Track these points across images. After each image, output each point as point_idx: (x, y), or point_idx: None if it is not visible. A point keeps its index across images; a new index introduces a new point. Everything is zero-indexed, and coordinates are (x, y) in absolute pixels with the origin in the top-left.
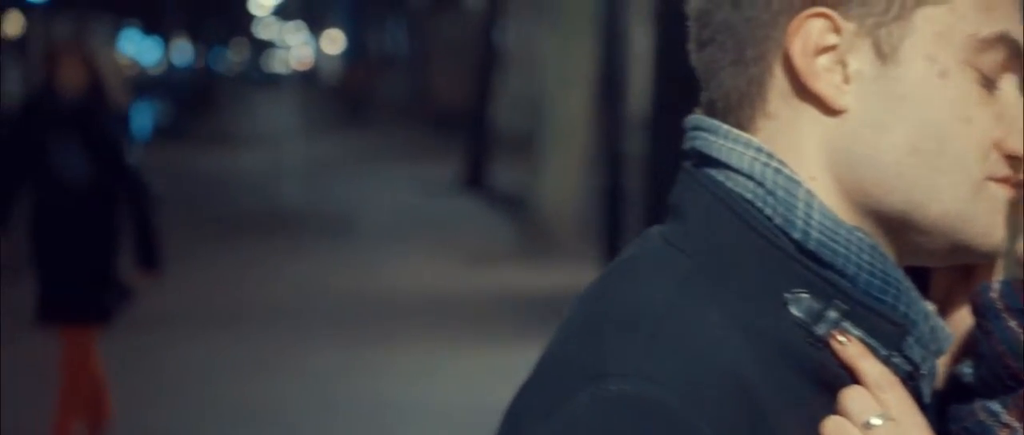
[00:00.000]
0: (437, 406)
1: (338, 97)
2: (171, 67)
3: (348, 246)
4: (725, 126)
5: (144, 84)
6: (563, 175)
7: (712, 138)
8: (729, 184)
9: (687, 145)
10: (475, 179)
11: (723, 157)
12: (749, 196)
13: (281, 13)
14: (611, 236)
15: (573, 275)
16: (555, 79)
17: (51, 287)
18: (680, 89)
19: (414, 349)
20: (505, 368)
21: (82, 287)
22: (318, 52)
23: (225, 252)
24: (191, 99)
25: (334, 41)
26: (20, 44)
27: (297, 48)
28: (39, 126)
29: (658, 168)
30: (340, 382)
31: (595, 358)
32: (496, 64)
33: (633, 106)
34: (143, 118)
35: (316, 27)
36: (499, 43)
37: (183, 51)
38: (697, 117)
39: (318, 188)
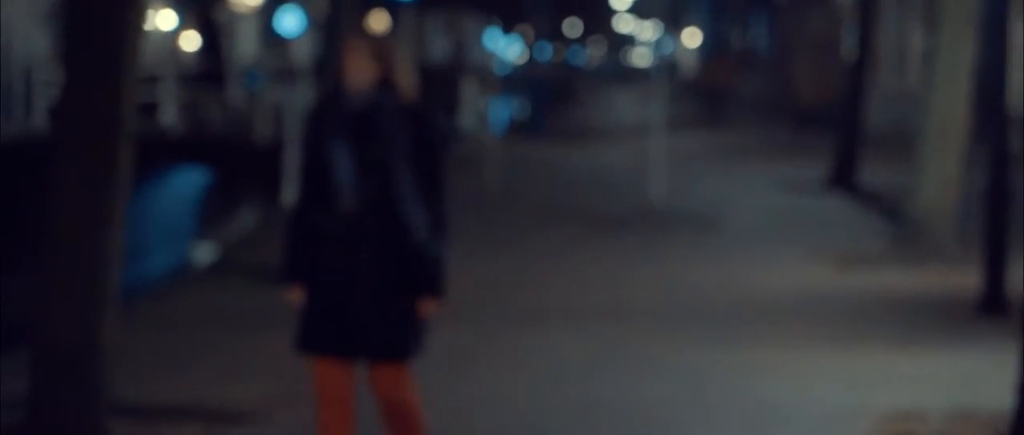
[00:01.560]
0: (813, 408)
1: (697, 93)
2: (532, 63)
3: (714, 244)
4: None
5: (505, 80)
6: (942, 174)
7: None
8: None
9: None
10: (843, 178)
11: None
12: None
13: (638, 10)
14: (993, 237)
15: (952, 278)
16: (934, 76)
17: (343, 317)
18: None
19: (787, 350)
20: (883, 372)
21: (385, 320)
22: (677, 47)
23: (589, 249)
24: (551, 94)
25: (693, 36)
26: None
27: (655, 43)
28: (324, 133)
29: None
30: (711, 382)
31: None
32: (867, 61)
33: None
34: (500, 114)
35: (675, 24)
36: (869, 39)
37: (543, 47)
38: None
39: (679, 185)
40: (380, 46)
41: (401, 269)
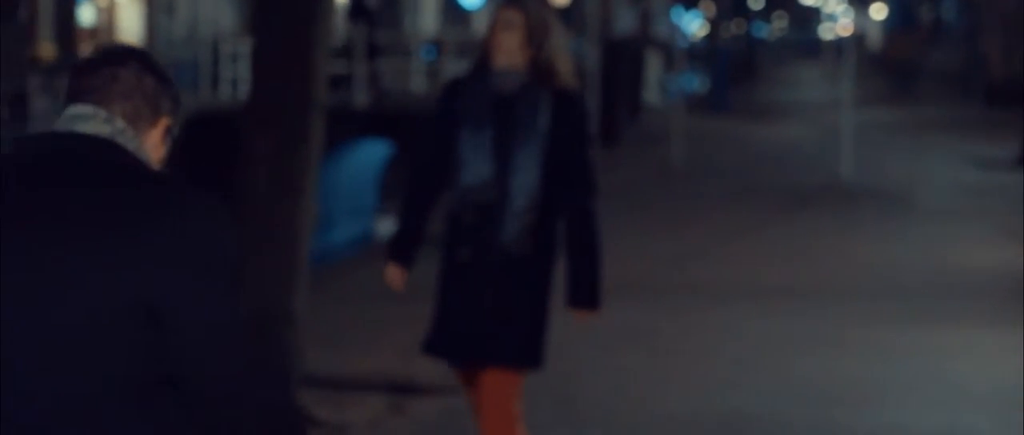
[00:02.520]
0: (1006, 391)
1: (883, 67)
2: (714, 37)
3: (904, 221)
4: None
5: (688, 55)
6: None
7: None
8: None
9: None
10: None
11: None
12: None
13: None
14: None
15: None
16: None
17: (460, 320)
18: None
19: (979, 331)
20: None
21: (500, 324)
22: (862, 19)
23: (777, 226)
24: (733, 68)
25: (879, 9)
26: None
27: (840, 16)
28: (461, 115)
29: None
30: (904, 361)
31: None
32: None
33: None
34: (684, 88)
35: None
36: None
37: (725, 21)
38: None
39: (868, 161)
40: (536, 21)
41: (517, 274)
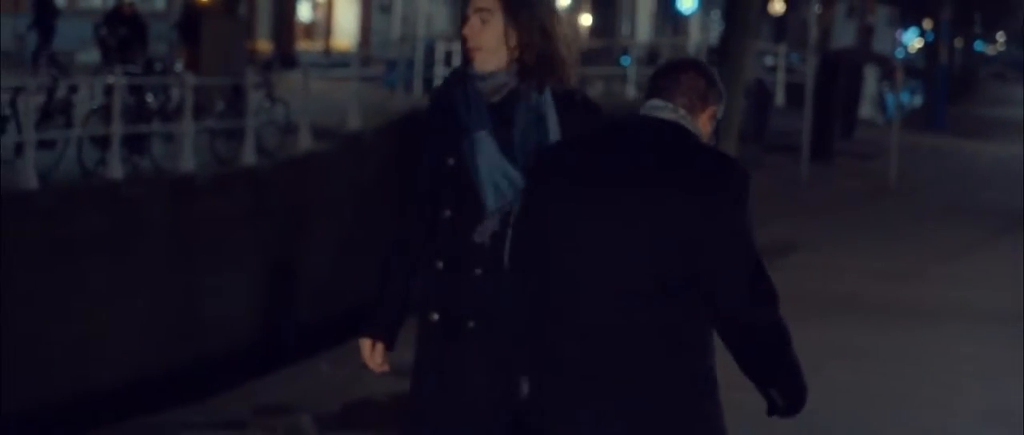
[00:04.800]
0: None
1: None
2: (932, 52)
3: None
4: None
5: (906, 70)
6: None
7: None
8: None
9: None
10: None
11: None
12: None
13: None
14: None
15: None
16: None
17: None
18: None
19: None
20: None
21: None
22: None
23: (992, 248)
24: (951, 85)
25: None
26: (783, 22)
27: None
28: (447, 132)
29: None
30: None
31: None
32: None
33: None
34: (901, 104)
35: None
36: None
37: (944, 36)
38: None
39: None
40: (516, 3)
41: None
